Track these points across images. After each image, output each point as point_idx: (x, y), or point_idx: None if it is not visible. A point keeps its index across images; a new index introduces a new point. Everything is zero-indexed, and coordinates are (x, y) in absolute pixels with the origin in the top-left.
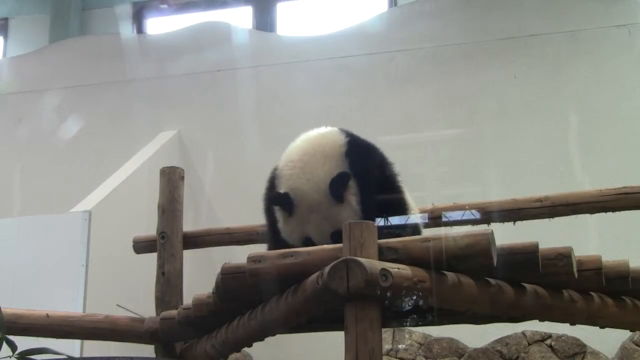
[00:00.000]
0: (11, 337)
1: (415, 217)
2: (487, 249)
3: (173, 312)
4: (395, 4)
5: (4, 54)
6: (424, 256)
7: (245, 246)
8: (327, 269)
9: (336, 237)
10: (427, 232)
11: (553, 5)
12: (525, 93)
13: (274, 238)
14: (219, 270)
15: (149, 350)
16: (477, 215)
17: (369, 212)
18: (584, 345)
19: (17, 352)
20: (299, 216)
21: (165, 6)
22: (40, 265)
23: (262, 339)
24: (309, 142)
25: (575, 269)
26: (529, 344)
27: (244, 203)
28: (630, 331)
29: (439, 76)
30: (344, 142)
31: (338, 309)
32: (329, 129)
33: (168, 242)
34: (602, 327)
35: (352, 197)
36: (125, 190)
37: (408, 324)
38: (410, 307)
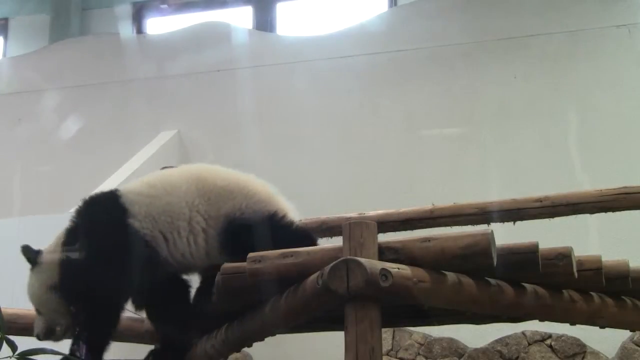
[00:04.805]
0: (11, 337)
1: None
2: (487, 249)
3: None
4: (395, 4)
5: (4, 54)
6: (424, 256)
7: None
8: (327, 269)
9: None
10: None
11: (553, 5)
12: (525, 93)
13: None
14: None
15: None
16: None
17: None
18: (584, 345)
19: (17, 352)
20: None
21: (165, 6)
22: None
23: (262, 339)
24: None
25: (575, 269)
26: (529, 344)
27: None
28: (630, 331)
29: (439, 76)
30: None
31: (338, 309)
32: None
33: None
34: (602, 327)
35: (37, 272)
36: None
37: (408, 324)
38: (410, 307)
